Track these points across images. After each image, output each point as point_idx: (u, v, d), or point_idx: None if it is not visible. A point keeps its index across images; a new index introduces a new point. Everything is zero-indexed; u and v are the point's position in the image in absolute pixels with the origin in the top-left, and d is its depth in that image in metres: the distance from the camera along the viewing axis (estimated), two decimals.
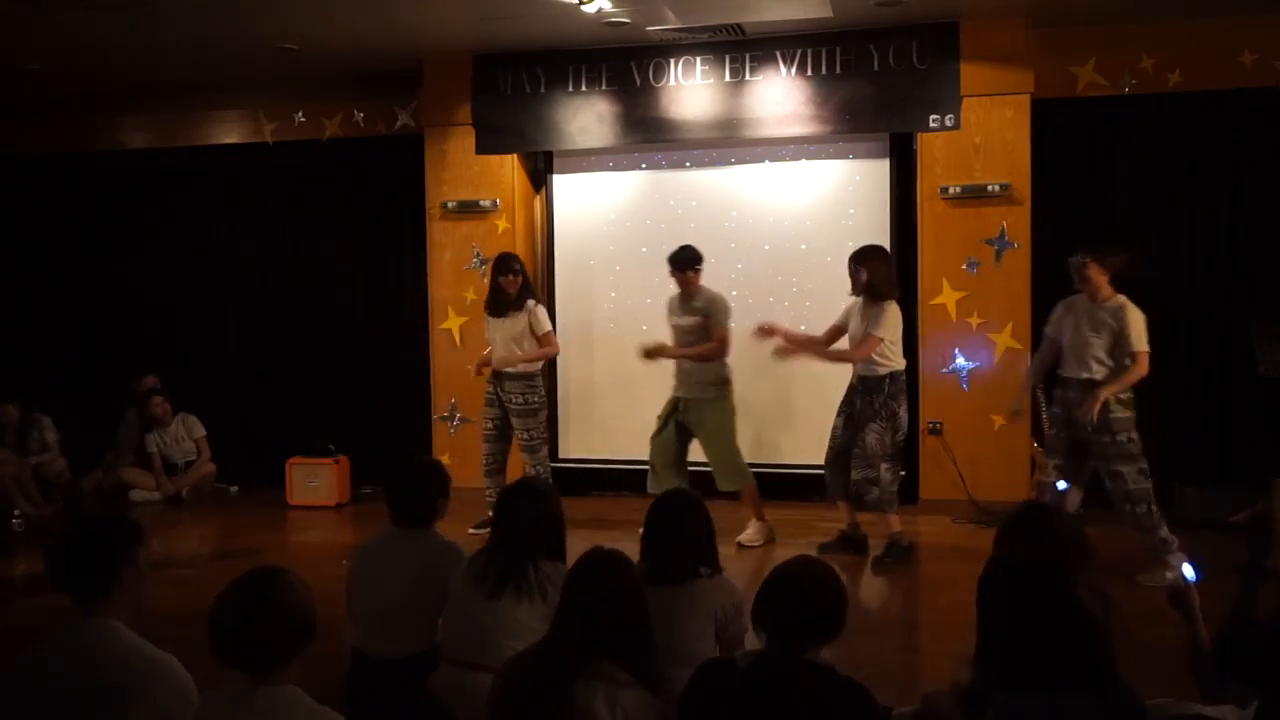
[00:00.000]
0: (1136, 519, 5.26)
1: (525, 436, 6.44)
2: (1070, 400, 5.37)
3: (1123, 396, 5.25)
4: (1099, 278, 5.28)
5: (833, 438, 5.92)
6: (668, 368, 6.34)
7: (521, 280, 6.43)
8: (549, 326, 6.54)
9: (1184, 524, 5.95)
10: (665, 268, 6.13)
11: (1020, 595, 2.31)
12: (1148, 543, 5.29)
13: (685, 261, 6.19)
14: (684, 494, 3.48)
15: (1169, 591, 2.79)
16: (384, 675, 3.40)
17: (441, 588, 3.35)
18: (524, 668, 2.56)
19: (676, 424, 6.24)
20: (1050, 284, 5.64)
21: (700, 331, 6.16)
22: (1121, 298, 5.31)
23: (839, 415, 5.91)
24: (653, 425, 6.34)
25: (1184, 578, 2.76)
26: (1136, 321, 5.25)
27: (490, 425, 6.52)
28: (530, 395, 6.42)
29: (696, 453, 6.37)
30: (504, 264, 6.45)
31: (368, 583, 3.52)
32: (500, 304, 6.46)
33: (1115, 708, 2.22)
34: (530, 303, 6.47)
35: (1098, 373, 5.28)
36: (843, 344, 5.89)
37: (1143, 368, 5.25)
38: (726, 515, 5.81)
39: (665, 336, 6.92)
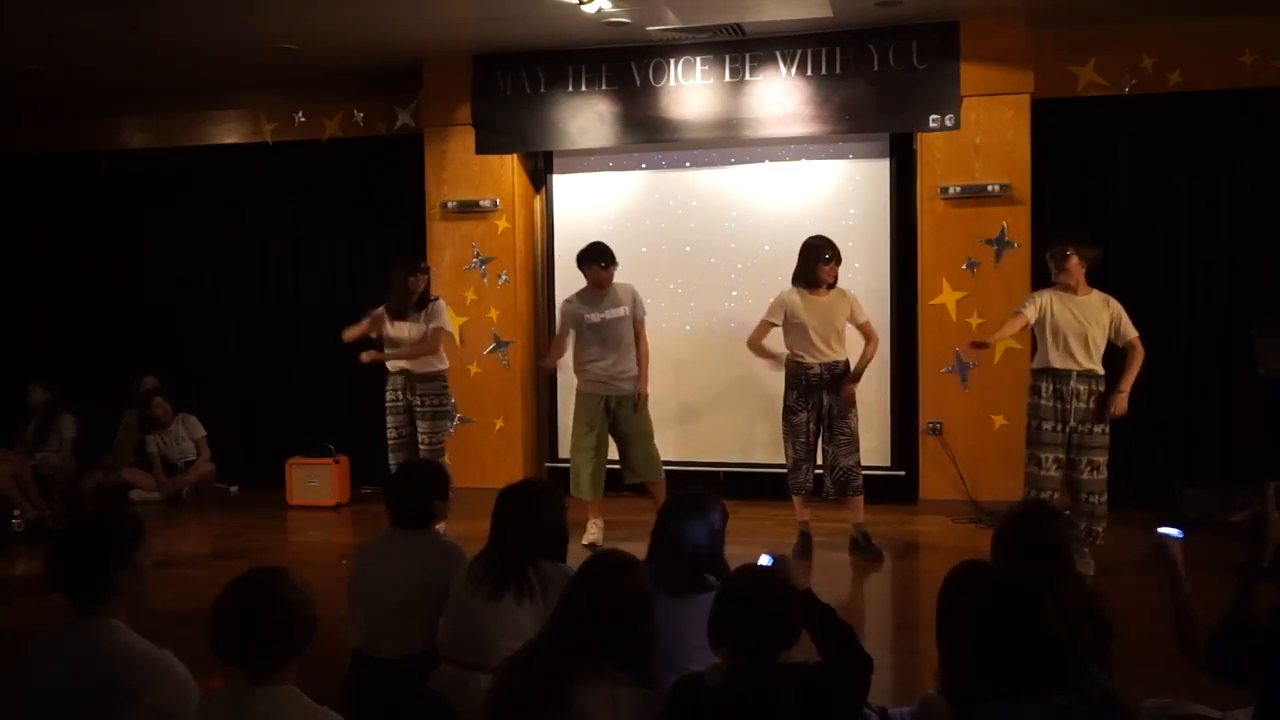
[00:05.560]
0: (1092, 509, 5.30)
1: (429, 440, 6.18)
2: (1072, 392, 5.33)
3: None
4: (1079, 270, 5.41)
5: (806, 435, 5.85)
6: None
7: (427, 279, 6.28)
8: (446, 325, 6.23)
9: (1184, 524, 5.95)
10: (666, 268, 6.12)
11: (986, 605, 2.29)
12: (1087, 531, 5.28)
13: (613, 255, 6.10)
14: (704, 494, 3.28)
15: (1153, 549, 2.77)
16: (384, 676, 3.40)
17: (442, 588, 3.35)
18: (522, 667, 2.55)
19: (608, 424, 6.16)
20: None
21: (630, 320, 6.13)
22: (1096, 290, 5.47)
23: (799, 413, 5.83)
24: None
25: (1166, 535, 2.75)
26: (1125, 311, 5.43)
27: (397, 435, 6.23)
28: (443, 398, 6.23)
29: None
30: (412, 264, 6.21)
31: (368, 583, 3.52)
32: (408, 306, 6.15)
33: (1092, 702, 2.21)
34: (438, 300, 6.31)
35: (1099, 364, 5.38)
36: (822, 343, 5.81)
37: (1142, 353, 5.41)
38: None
39: (664, 334, 6.93)
